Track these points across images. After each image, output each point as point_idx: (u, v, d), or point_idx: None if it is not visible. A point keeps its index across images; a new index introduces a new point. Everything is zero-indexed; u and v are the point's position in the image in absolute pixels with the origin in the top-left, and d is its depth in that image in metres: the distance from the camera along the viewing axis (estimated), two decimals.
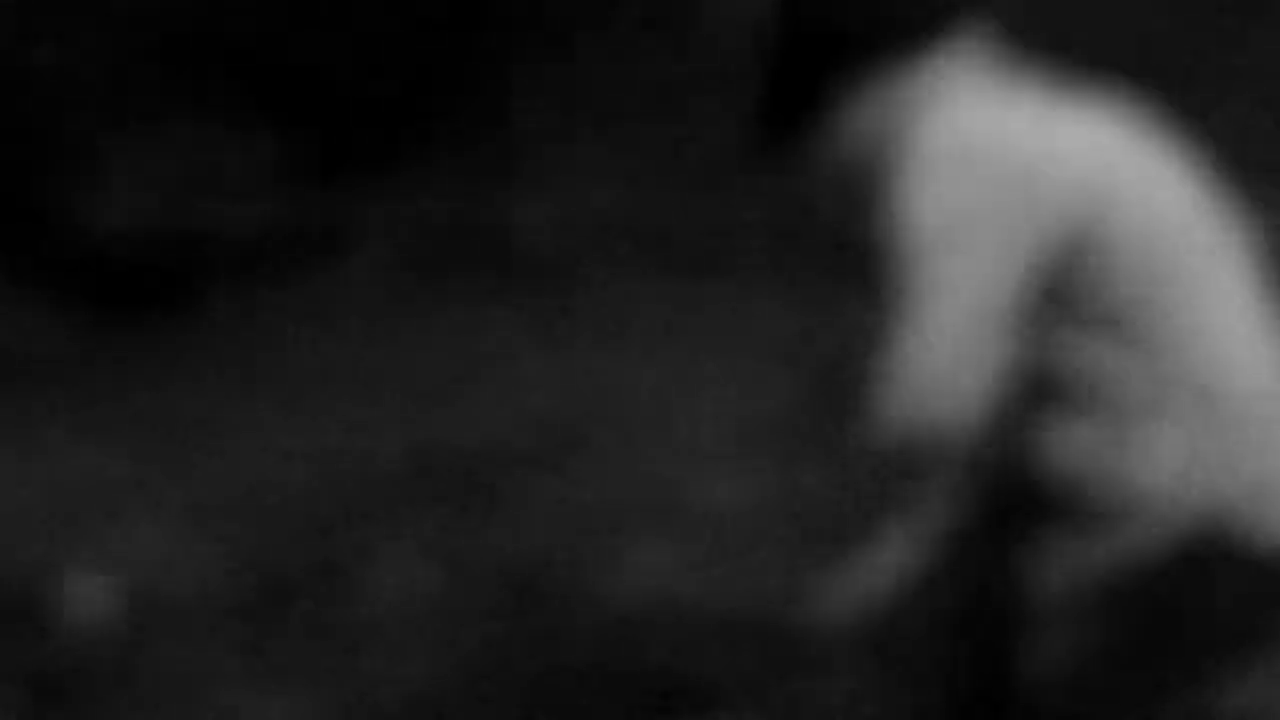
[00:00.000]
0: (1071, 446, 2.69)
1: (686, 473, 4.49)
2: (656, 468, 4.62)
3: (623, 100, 5.84)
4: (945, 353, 2.66)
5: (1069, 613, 2.81)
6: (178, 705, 3.73)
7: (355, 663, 3.85)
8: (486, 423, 4.76)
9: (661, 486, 4.51)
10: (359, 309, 5.25)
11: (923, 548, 2.79)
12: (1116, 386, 2.70)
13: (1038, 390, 2.69)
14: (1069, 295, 2.67)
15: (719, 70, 5.49)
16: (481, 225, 5.51)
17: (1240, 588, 2.83)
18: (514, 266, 5.34)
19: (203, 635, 3.93)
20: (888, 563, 2.84)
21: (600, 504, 4.47)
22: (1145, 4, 6.53)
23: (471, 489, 4.46)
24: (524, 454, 4.64)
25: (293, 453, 4.70)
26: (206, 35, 5.27)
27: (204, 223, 5.16)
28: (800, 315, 4.75)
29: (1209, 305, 2.72)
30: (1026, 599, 2.85)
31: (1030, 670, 2.86)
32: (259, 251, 5.18)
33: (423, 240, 5.49)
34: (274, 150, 5.51)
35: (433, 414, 4.68)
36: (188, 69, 5.18)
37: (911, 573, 2.82)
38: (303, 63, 5.49)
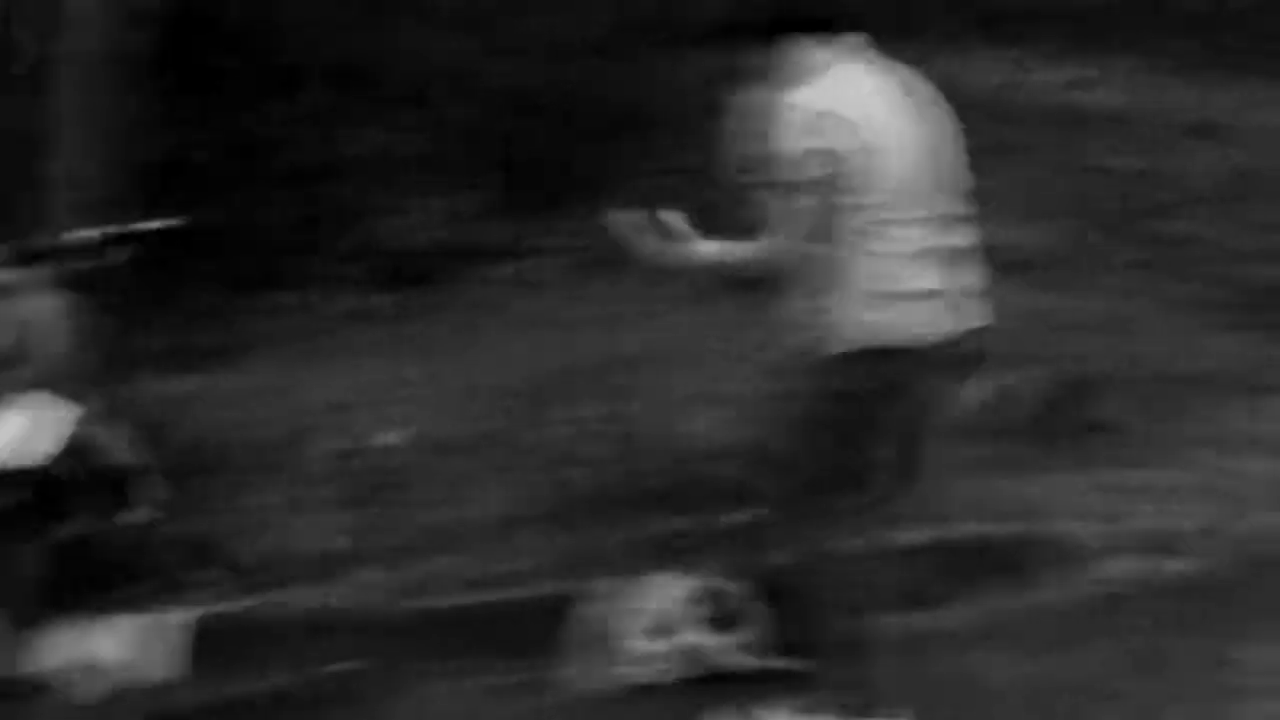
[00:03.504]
0: None
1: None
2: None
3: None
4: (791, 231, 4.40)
5: None
6: (442, 498, 6.46)
7: (539, 476, 6.51)
8: (613, 344, 7.44)
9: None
10: (534, 288, 8.07)
11: None
12: None
13: None
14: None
15: None
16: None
17: None
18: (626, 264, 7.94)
19: (456, 461, 6.68)
20: None
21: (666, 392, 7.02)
22: None
23: (605, 381, 7.10)
24: (633, 359, 7.30)
25: (495, 362, 7.37)
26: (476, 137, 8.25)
27: (459, 241, 8.12)
28: None
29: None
30: None
31: None
32: (480, 257, 8.13)
33: (569, 253, 8.32)
34: (497, 204, 8.39)
35: (585, 342, 7.41)
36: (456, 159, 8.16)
37: None
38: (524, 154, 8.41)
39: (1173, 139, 10.30)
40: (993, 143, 9.11)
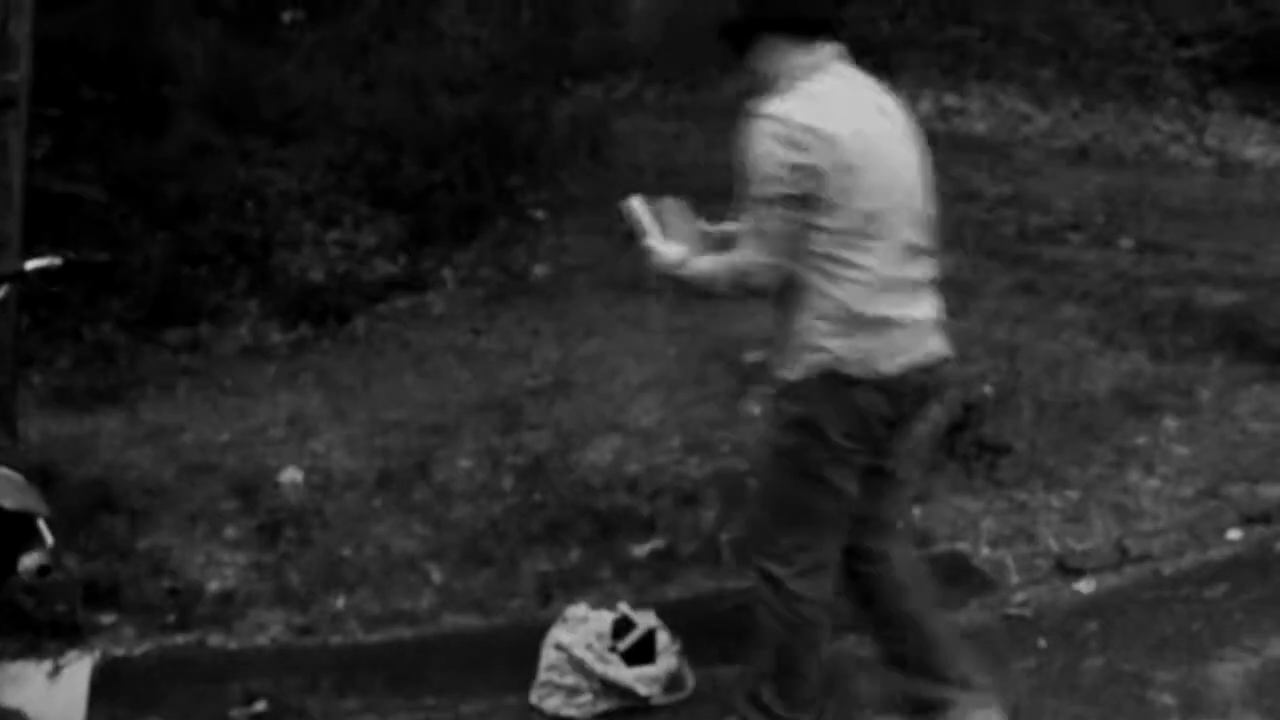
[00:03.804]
0: None
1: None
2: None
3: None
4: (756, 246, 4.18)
5: None
6: (346, 535, 6.28)
7: (445, 511, 6.40)
8: (518, 376, 7.40)
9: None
10: (433, 320, 7.94)
11: None
12: None
13: None
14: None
15: None
16: (509, 274, 8.26)
17: None
18: (527, 294, 8.05)
19: (359, 497, 6.52)
20: None
21: (572, 422, 6.94)
22: None
23: (510, 413, 7.05)
24: (538, 390, 7.26)
25: (405, 397, 7.27)
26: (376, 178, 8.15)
27: (358, 275, 7.99)
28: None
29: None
30: None
31: None
32: (378, 289, 8.01)
33: (475, 283, 8.27)
34: (394, 236, 8.29)
35: (488, 374, 7.31)
36: (360, 196, 8.02)
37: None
38: (419, 187, 8.32)
39: (1037, 164, 10.45)
40: None
